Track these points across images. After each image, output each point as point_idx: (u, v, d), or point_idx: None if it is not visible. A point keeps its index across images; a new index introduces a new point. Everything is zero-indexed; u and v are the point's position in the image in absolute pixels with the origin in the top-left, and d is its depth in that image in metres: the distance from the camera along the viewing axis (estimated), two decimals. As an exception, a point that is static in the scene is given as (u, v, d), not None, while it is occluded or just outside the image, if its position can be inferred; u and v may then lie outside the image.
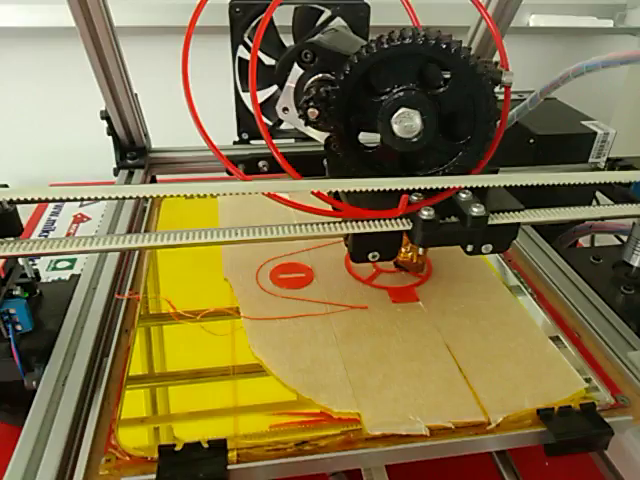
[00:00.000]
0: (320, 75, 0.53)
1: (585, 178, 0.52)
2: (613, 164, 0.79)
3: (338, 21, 0.81)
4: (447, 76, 0.47)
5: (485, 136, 0.49)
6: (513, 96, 0.87)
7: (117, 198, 0.47)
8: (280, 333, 0.55)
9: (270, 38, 0.81)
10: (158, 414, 0.51)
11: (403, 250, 0.62)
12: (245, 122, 0.87)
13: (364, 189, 0.48)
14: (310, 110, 0.50)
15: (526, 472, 0.58)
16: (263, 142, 0.86)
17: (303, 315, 0.57)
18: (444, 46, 0.45)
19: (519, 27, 1.03)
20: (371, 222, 0.48)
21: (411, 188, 0.48)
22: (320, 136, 0.54)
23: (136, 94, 0.82)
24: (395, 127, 0.47)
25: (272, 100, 0.86)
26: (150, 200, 0.78)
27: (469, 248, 0.50)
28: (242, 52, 0.83)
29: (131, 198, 0.48)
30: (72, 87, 0.97)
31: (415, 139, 0.48)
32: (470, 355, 0.53)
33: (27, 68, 1.04)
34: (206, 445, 0.44)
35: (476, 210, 0.47)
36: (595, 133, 0.79)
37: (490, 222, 0.48)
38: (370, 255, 0.50)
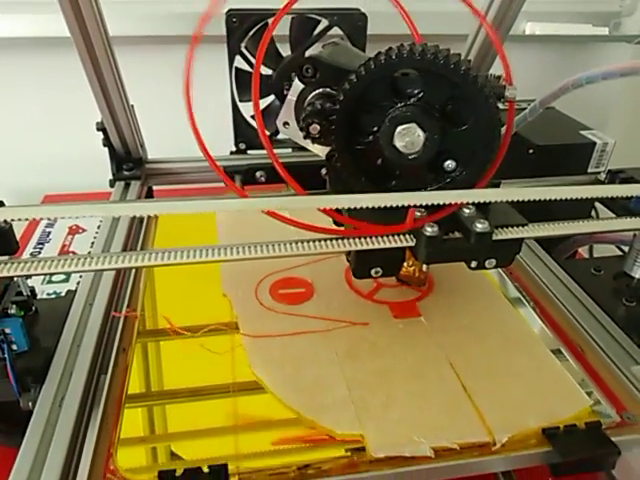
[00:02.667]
0: (321, 90, 0.51)
1: (591, 192, 0.51)
2: (613, 176, 0.78)
3: (335, 30, 0.80)
4: (450, 91, 0.46)
5: (489, 150, 0.48)
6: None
7: (113, 217, 0.46)
8: (280, 351, 0.54)
9: (267, 48, 0.79)
10: (157, 433, 0.50)
11: (405, 264, 0.61)
12: (242, 132, 0.86)
13: (367, 206, 0.47)
14: (312, 126, 0.49)
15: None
16: (260, 152, 0.86)
17: (304, 332, 0.55)
18: (444, 61, 0.44)
19: (515, 35, 1.02)
20: (374, 239, 0.47)
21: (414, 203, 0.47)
22: (321, 150, 0.53)
23: (132, 105, 0.80)
24: (397, 142, 0.47)
25: (269, 110, 0.85)
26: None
27: (473, 264, 0.49)
28: (239, 62, 0.82)
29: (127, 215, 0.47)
30: (68, 97, 0.96)
31: (417, 154, 0.47)
32: (474, 373, 0.52)
33: (22, 79, 1.03)
34: (207, 470, 0.43)
35: (480, 226, 0.46)
36: (594, 143, 0.78)
37: (494, 237, 0.47)
38: (373, 271, 0.49)
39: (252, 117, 0.85)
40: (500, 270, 0.67)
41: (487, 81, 0.47)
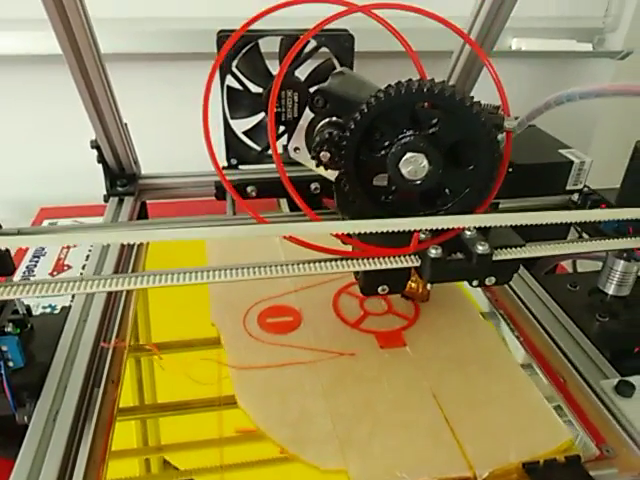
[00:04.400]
0: (330, 119, 0.53)
1: (572, 217, 0.51)
2: (586, 198, 0.78)
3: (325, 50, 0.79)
4: (445, 118, 0.48)
5: (489, 178, 0.50)
6: None
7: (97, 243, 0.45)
8: (266, 383, 0.53)
9: (257, 66, 0.79)
10: (150, 445, 0.51)
11: (409, 281, 0.61)
12: (234, 148, 0.85)
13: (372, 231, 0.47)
14: (322, 154, 0.50)
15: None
16: (251, 167, 0.86)
17: (290, 363, 0.55)
18: (448, 95, 0.46)
19: (501, 51, 1.01)
20: (382, 259, 0.48)
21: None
22: (332, 175, 0.54)
23: (126, 124, 0.79)
24: (403, 170, 0.48)
25: (260, 126, 0.85)
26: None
27: (474, 283, 0.50)
28: (230, 80, 0.81)
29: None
30: (64, 110, 0.94)
31: (421, 181, 0.48)
32: (455, 403, 0.51)
33: (18, 93, 1.01)
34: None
35: (481, 248, 0.47)
36: (572, 162, 0.78)
37: (494, 258, 0.48)
38: (380, 289, 0.50)
39: (243, 133, 0.84)
40: (482, 292, 0.67)
41: (484, 110, 0.49)
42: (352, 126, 0.48)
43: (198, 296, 0.63)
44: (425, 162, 0.47)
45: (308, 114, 0.55)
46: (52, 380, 0.50)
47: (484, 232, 0.50)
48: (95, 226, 0.75)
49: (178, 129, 0.94)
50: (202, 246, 0.72)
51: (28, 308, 0.55)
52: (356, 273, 0.51)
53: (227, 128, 0.84)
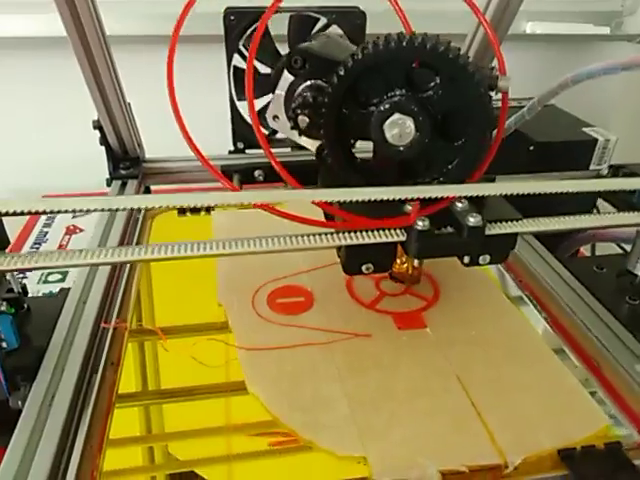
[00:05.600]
0: (310, 82, 0.48)
1: (588, 186, 0.47)
2: (616, 171, 0.74)
3: (335, 29, 0.75)
4: (438, 80, 0.43)
5: (481, 144, 0.45)
6: (512, 103, 0.81)
7: (103, 209, 0.41)
8: (277, 365, 0.48)
9: (266, 46, 0.75)
10: (152, 433, 0.47)
11: (398, 261, 0.57)
12: (240, 131, 0.81)
13: (357, 199, 0.42)
14: (300, 117, 0.46)
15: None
16: (259, 151, 0.82)
17: (302, 345, 0.50)
18: (433, 48, 0.41)
19: (517, 34, 0.97)
20: (364, 233, 0.43)
21: (406, 198, 0.43)
22: (312, 144, 0.49)
23: (129, 103, 0.75)
24: (388, 134, 0.43)
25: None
26: (142, 216, 0.72)
27: (466, 260, 0.45)
28: (237, 61, 0.77)
29: (118, 210, 0.43)
30: (66, 98, 0.91)
31: (408, 146, 0.43)
32: (483, 388, 0.47)
33: (18, 79, 0.98)
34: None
35: (473, 220, 0.42)
36: (596, 140, 0.73)
37: (488, 232, 0.43)
38: (364, 267, 0.45)
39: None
40: (507, 275, 0.62)
41: (480, 73, 0.43)
42: (335, 81, 0.42)
43: (203, 277, 0.59)
44: (412, 127, 0.42)
45: (287, 78, 0.50)
46: (49, 363, 0.47)
47: (478, 206, 0.45)
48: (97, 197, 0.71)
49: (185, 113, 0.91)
50: (208, 229, 0.67)
51: (24, 288, 0.53)
52: (339, 250, 0.46)
53: (234, 110, 0.80)
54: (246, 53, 0.77)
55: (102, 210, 0.44)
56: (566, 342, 0.53)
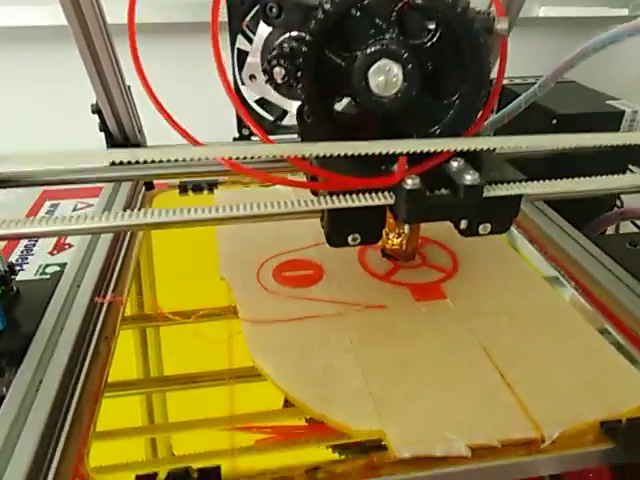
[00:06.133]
0: (289, 34, 0.43)
1: (603, 140, 0.42)
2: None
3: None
4: (433, 26, 0.38)
5: (477, 94, 0.39)
6: (515, 81, 0.78)
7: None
8: (286, 337, 0.44)
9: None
10: (147, 425, 0.42)
11: (391, 236, 0.52)
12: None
13: (340, 154, 0.37)
14: (276, 70, 0.41)
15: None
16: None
17: (312, 316, 0.46)
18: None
19: (530, 17, 0.94)
20: (347, 197, 0.38)
21: (393, 153, 0.38)
22: (291, 106, 0.44)
23: (129, 86, 0.72)
24: (372, 82, 0.38)
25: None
26: (141, 197, 0.68)
27: (463, 224, 0.40)
28: (242, 43, 0.74)
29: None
30: (67, 90, 0.88)
31: (393, 98, 0.38)
32: (513, 360, 0.42)
33: (17, 70, 0.96)
34: (196, 475, 0.33)
35: (469, 178, 0.38)
36: (623, 112, 0.69)
37: (487, 194, 0.39)
38: (350, 238, 0.40)
39: (256, 102, 0.77)
40: (532, 247, 0.58)
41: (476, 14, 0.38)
42: (314, 24, 0.37)
43: (204, 254, 0.55)
44: (400, 76, 0.37)
45: (263, 31, 0.46)
46: (36, 348, 0.43)
47: (475, 166, 0.40)
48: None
49: (186, 102, 0.88)
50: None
51: (11, 266, 0.49)
52: (321, 219, 0.41)
53: (238, 95, 0.77)
54: (251, 35, 0.74)
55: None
56: (602, 314, 0.48)
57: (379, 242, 0.52)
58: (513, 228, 0.60)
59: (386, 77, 0.37)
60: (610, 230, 0.75)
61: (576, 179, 0.42)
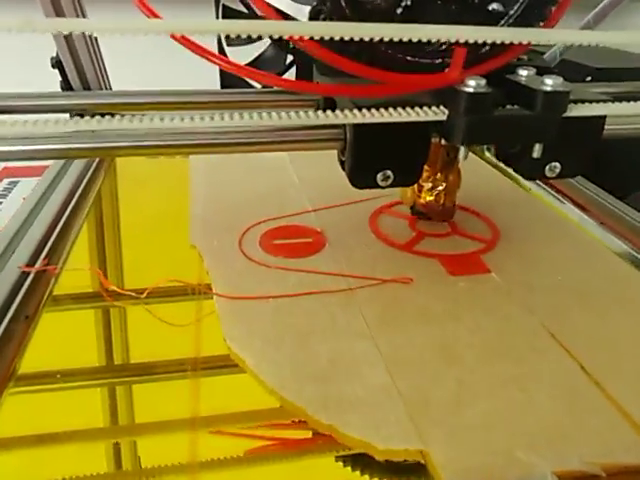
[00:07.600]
0: None
1: None
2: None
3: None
4: None
5: None
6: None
7: None
8: (276, 319, 0.31)
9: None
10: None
11: (425, 188, 0.40)
12: (230, 83, 0.67)
13: (385, 38, 0.25)
14: None
15: None
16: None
17: (312, 292, 0.33)
18: None
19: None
20: (382, 111, 0.27)
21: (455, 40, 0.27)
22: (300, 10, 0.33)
23: (96, 37, 0.60)
24: None
25: (263, 59, 0.67)
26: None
27: (536, 152, 0.30)
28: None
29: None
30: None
31: None
32: (591, 347, 0.30)
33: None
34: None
35: (551, 82, 0.28)
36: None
37: (568, 114, 0.29)
38: (379, 176, 0.30)
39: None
40: (584, 215, 0.45)
41: None
42: None
43: (174, 226, 0.43)
44: None
45: None
46: None
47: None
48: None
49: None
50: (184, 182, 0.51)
51: None
52: (341, 152, 0.31)
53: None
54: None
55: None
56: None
57: (408, 197, 0.40)
58: (561, 197, 0.49)
59: None
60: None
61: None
